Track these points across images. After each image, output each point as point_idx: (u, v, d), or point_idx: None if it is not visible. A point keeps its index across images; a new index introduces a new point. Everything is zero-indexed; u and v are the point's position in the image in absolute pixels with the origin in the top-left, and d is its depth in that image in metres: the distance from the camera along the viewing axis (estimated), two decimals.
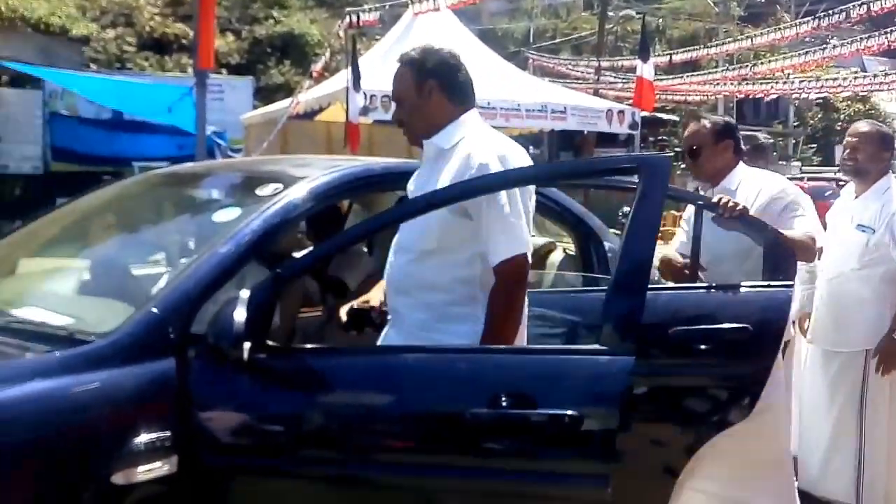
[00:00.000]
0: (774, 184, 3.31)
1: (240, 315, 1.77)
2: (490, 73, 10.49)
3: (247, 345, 1.80)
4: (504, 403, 1.82)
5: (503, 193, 2.15)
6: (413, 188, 2.36)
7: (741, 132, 3.47)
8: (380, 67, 9.99)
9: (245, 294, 1.83)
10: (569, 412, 1.79)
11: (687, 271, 3.00)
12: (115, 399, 1.81)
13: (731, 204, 2.69)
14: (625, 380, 1.82)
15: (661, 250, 3.59)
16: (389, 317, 2.29)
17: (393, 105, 2.42)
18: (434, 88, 2.29)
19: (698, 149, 3.32)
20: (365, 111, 9.80)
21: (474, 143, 2.23)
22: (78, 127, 18.66)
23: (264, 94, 19.19)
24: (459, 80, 2.33)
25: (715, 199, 2.71)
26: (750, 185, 3.24)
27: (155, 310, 1.95)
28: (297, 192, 2.30)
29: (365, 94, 9.59)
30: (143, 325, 1.92)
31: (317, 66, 11.53)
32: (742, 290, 2.16)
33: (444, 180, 2.18)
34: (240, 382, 1.90)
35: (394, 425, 1.90)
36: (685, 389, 2.01)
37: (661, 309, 2.00)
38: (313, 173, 2.42)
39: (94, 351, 1.86)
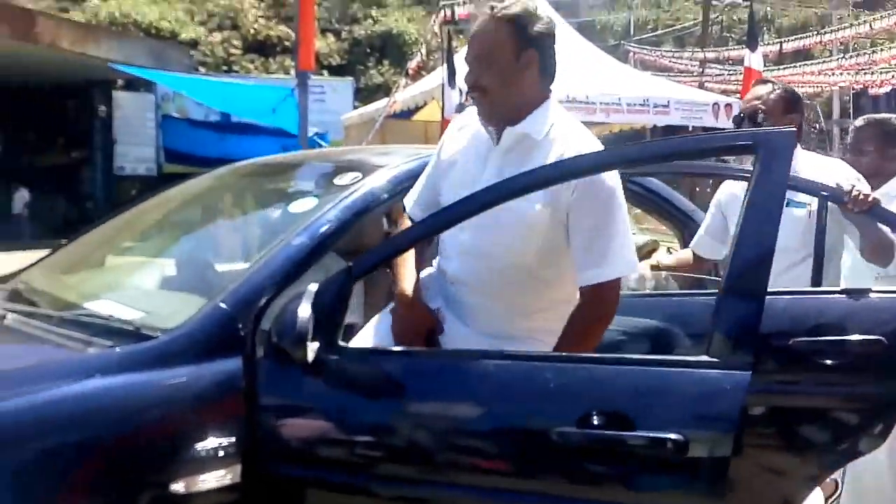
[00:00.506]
0: (843, 172, 2.74)
1: (304, 311, 1.63)
2: (589, 67, 10.20)
3: (313, 345, 1.65)
4: (596, 422, 1.59)
5: (609, 196, 1.88)
6: (461, 184, 1.93)
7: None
8: None
9: (313, 289, 1.69)
10: (672, 436, 1.54)
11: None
12: (175, 400, 1.71)
13: (861, 196, 2.38)
14: (739, 398, 1.54)
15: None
16: (446, 313, 1.99)
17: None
18: (533, 61, 1.92)
19: (764, 115, 2.85)
20: (461, 108, 9.65)
21: (575, 136, 1.93)
22: (188, 129, 19.38)
23: (364, 95, 19.42)
24: (553, 58, 1.96)
25: (846, 188, 2.40)
26: (817, 173, 2.67)
27: (223, 305, 1.84)
28: (376, 181, 2.17)
29: (460, 90, 9.46)
30: (209, 321, 1.81)
31: (412, 64, 11.49)
32: (873, 296, 1.83)
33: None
34: (309, 385, 1.75)
35: (473, 441, 1.71)
36: (808, 411, 1.70)
37: (779, 316, 1.70)
38: (393, 161, 2.28)
39: (156, 347, 1.76)
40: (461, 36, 15.92)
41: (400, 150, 2.61)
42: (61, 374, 1.68)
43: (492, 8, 1.92)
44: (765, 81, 3.16)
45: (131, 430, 1.64)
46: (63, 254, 2.73)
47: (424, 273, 2.09)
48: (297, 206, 2.28)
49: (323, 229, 1.99)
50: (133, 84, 18.47)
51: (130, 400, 1.67)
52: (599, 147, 1.93)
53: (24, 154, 18.40)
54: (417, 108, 11.37)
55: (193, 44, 20.73)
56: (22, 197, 17.75)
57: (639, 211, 3.28)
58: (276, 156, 2.90)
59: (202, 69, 19.91)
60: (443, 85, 9.32)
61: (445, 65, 9.26)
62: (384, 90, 17.89)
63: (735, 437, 1.54)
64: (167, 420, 1.68)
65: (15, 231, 16.21)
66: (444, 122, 9.17)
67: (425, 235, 1.95)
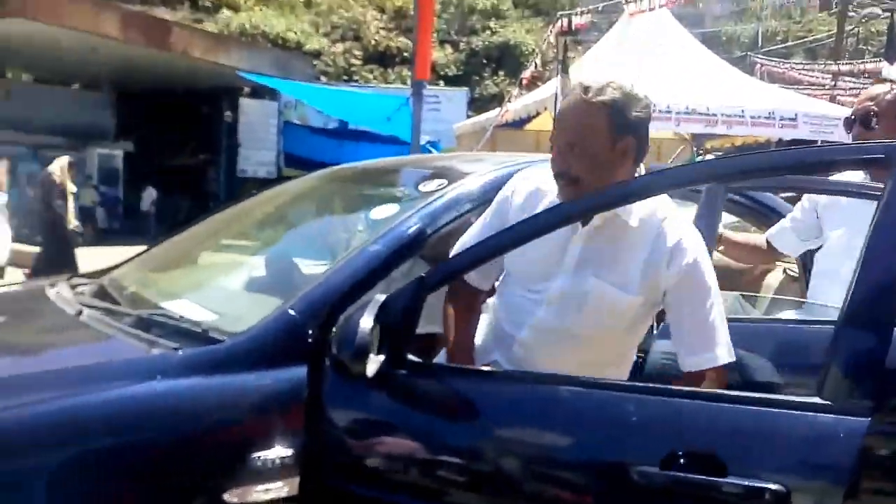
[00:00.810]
0: None
1: (366, 323, 1.53)
2: (711, 78, 9.80)
3: (377, 358, 1.54)
4: (683, 463, 1.40)
5: (712, 279, 1.79)
6: (536, 264, 1.82)
7: None
8: (591, 74, 9.64)
9: (379, 299, 1.58)
10: (772, 485, 1.33)
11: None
12: (235, 406, 1.64)
13: None
14: (855, 445, 1.32)
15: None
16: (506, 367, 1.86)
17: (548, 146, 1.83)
18: (630, 149, 1.76)
19: (877, 117, 2.56)
20: None
21: (675, 225, 1.80)
22: (308, 135, 20.00)
23: (479, 105, 19.45)
24: (647, 139, 1.81)
25: None
26: None
27: (291, 311, 1.77)
28: (461, 189, 2.07)
29: None
30: (276, 327, 1.74)
31: (526, 74, 11.34)
32: None
33: (634, 268, 1.78)
34: (373, 400, 1.65)
35: (546, 471, 1.55)
36: None
37: None
38: (482, 169, 2.17)
39: (220, 351, 1.70)
40: (578, 47, 15.70)
41: (493, 157, 2.49)
42: (121, 374, 1.65)
43: (585, 90, 1.76)
44: (884, 81, 2.84)
45: (187, 434, 1.59)
46: (159, 250, 2.75)
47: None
48: (379, 213, 2.21)
49: (399, 237, 1.91)
50: (258, 92, 19.22)
51: (188, 403, 1.62)
52: (699, 240, 1.82)
53: (155, 155, 19.43)
54: (530, 118, 11.21)
55: (317, 54, 21.36)
56: (150, 195, 18.75)
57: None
58: (371, 161, 2.85)
59: (324, 78, 20.48)
60: (556, 95, 9.14)
61: (560, 75, 9.07)
62: (499, 100, 17.83)
63: (846, 491, 1.32)
64: (224, 426, 1.62)
65: (142, 227, 17.14)
66: None
67: (504, 249, 1.79)
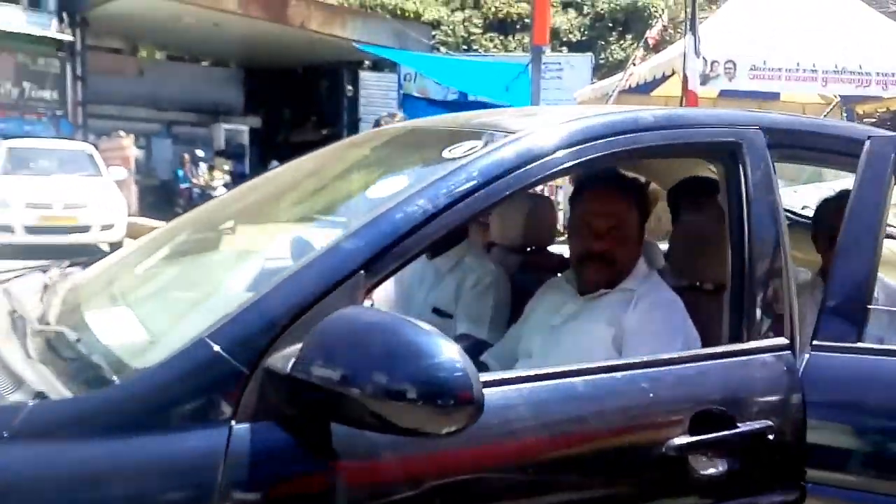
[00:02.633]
0: None
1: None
2: (865, 33, 8.72)
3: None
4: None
5: None
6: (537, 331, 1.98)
7: None
8: (724, 32, 8.79)
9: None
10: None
11: None
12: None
13: None
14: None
15: None
16: None
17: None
18: (643, 237, 2.04)
19: None
20: (705, 79, 8.64)
21: (656, 290, 1.95)
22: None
23: (604, 71, 18.58)
24: None
25: None
26: None
27: (211, 342, 1.24)
28: (491, 156, 1.53)
29: (705, 59, 8.44)
30: (181, 367, 1.24)
31: (651, 34, 10.54)
32: None
33: (633, 344, 1.83)
34: None
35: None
36: None
37: None
38: (531, 126, 1.65)
39: (81, 407, 1.21)
40: (713, 6, 14.55)
41: (553, 110, 1.96)
42: None
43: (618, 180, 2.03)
44: None
45: None
46: (180, 227, 2.26)
47: None
48: (379, 189, 1.65)
49: (387, 228, 1.38)
50: (379, 65, 19.08)
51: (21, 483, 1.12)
52: (677, 308, 1.89)
53: (280, 131, 19.69)
54: (656, 82, 10.40)
55: (436, 24, 20.98)
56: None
57: None
58: (425, 119, 2.31)
59: (443, 49, 20.12)
60: (684, 54, 8.34)
61: (689, 30, 8.27)
62: (625, 66, 16.94)
63: None
64: None
65: None
66: (689, 94, 8.21)
67: None
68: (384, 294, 2.81)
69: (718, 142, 1.77)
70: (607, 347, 1.84)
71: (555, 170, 1.57)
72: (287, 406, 1.23)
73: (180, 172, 15.60)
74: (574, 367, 1.46)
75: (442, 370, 1.12)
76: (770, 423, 1.52)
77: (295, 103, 19.73)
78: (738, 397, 1.54)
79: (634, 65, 10.70)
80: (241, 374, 1.23)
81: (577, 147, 1.58)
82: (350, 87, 19.71)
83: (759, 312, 1.63)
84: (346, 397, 1.16)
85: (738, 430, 1.50)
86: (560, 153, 1.56)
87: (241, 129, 19.39)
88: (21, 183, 10.58)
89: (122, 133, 14.88)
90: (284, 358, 1.23)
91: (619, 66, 18.46)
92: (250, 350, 1.24)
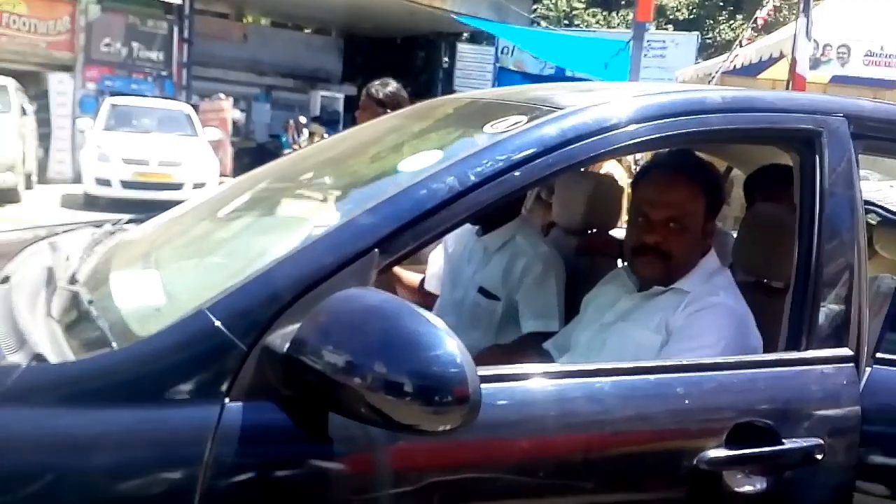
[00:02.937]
0: None
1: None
2: None
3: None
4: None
5: None
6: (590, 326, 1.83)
7: None
8: (839, 14, 8.26)
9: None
10: None
11: None
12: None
13: None
14: None
15: None
16: None
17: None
18: (714, 232, 1.83)
19: None
20: (815, 63, 8.15)
21: (713, 294, 1.72)
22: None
23: (711, 52, 17.89)
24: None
25: None
26: None
27: (211, 314, 1.18)
28: (533, 134, 1.40)
29: (816, 42, 7.95)
30: (178, 340, 1.18)
31: (761, 13, 10.01)
32: None
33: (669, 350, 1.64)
34: None
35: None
36: None
37: None
38: (583, 101, 1.52)
39: (72, 372, 1.16)
40: None
41: (614, 87, 1.80)
42: None
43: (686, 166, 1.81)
44: None
45: None
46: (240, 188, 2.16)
47: None
48: (411, 163, 1.53)
49: (407, 205, 1.28)
50: (477, 37, 18.91)
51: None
52: (727, 312, 1.67)
53: None
54: (762, 65, 9.89)
55: None
56: None
57: None
58: (484, 91, 2.17)
59: (543, 23, 19.77)
60: (794, 35, 7.88)
61: (801, 13, 7.80)
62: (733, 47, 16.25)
63: None
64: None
65: None
66: (796, 78, 7.76)
67: None
68: (436, 268, 2.73)
69: (794, 128, 1.60)
70: (653, 357, 1.66)
71: (602, 150, 1.44)
72: (284, 387, 1.17)
73: (283, 137, 15.90)
74: (603, 365, 1.35)
75: (437, 364, 1.03)
76: (820, 441, 1.37)
77: (392, 73, 19.66)
78: (786, 410, 1.39)
79: (742, 45, 10.21)
80: (238, 350, 1.17)
81: (630, 127, 1.45)
82: (447, 59, 19.64)
83: (821, 318, 1.47)
84: (343, 385, 1.09)
85: (782, 447, 1.35)
86: (610, 133, 1.43)
87: (337, 96, 19.61)
88: (121, 139, 10.99)
89: (221, 96, 15.27)
90: (284, 337, 1.16)
91: (727, 46, 17.72)
92: (250, 325, 1.18)
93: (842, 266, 1.51)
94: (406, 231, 1.27)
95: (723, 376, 1.39)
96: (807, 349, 1.46)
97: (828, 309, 1.48)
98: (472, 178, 1.32)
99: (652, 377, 1.35)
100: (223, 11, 19.21)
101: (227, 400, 1.16)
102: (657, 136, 1.46)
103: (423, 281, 2.79)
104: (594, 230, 2.54)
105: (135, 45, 15.24)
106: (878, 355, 1.45)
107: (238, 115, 17.02)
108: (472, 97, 2.12)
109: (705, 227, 1.78)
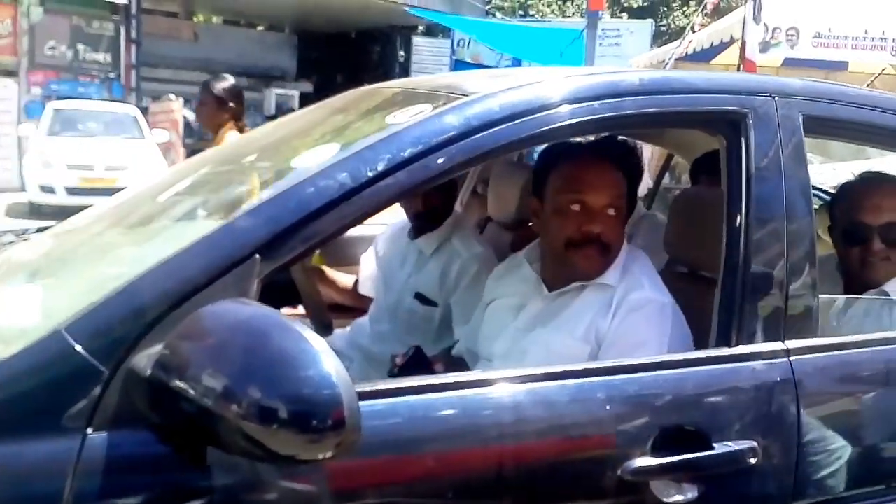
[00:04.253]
0: None
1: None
2: None
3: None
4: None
5: None
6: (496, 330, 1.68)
7: None
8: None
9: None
10: None
11: None
12: None
13: None
14: None
15: None
16: None
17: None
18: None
19: None
20: (765, 47, 8.17)
21: (643, 282, 1.62)
22: None
23: (666, 39, 17.98)
24: None
25: None
26: None
27: (70, 339, 1.04)
28: (432, 124, 1.28)
29: (766, 26, 7.97)
30: (29, 364, 1.05)
31: None
32: None
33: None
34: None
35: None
36: None
37: None
38: (494, 87, 1.39)
39: None
40: None
41: (526, 72, 1.68)
42: None
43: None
44: None
45: None
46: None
47: None
48: (305, 159, 1.40)
49: (295, 205, 1.15)
50: (432, 30, 18.75)
51: None
52: (658, 310, 1.56)
53: (331, 96, 19.55)
54: (715, 49, 9.91)
55: None
56: None
57: None
58: (391, 82, 2.03)
59: (498, 14, 19.70)
60: (744, 19, 7.88)
61: None
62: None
63: None
64: None
65: None
66: (746, 63, 7.76)
67: None
68: (369, 271, 2.62)
69: (718, 110, 1.51)
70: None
71: (510, 140, 1.33)
72: (153, 414, 1.04)
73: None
74: (515, 372, 1.24)
75: (308, 386, 0.91)
76: (754, 443, 1.28)
77: (347, 69, 19.56)
78: (715, 412, 1.30)
79: (694, 31, 10.21)
80: (99, 374, 1.04)
81: (540, 114, 1.34)
82: (402, 53, 19.47)
83: (751, 311, 1.38)
84: (211, 412, 0.96)
85: (712, 452, 1.26)
86: (516, 121, 1.32)
87: (292, 93, 19.33)
88: (64, 144, 10.67)
89: (171, 96, 14.93)
90: (150, 358, 1.03)
91: (682, 33, 17.78)
92: (112, 346, 1.05)
93: (773, 255, 1.42)
94: (292, 234, 1.15)
95: (647, 378, 1.29)
96: (737, 344, 1.37)
97: (758, 301, 1.39)
98: (367, 173, 1.21)
99: (569, 382, 1.24)
100: (172, 10, 18.82)
101: (89, 430, 1.03)
102: (568, 122, 1.35)
103: (356, 283, 2.67)
104: (530, 223, 2.44)
105: (80, 47, 14.86)
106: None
107: (191, 115, 16.69)
108: (393, 85, 1.99)
109: (629, 211, 1.70)
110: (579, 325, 1.56)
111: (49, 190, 10.29)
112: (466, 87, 1.46)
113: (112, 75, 15.07)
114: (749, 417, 1.31)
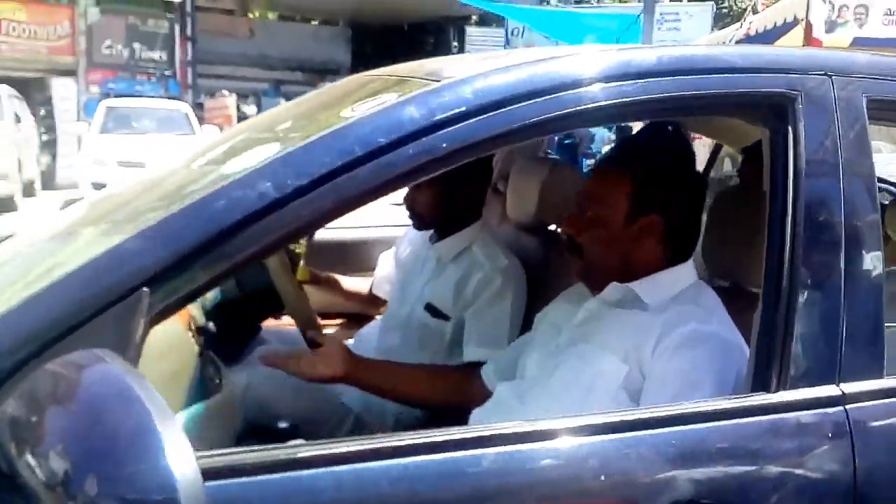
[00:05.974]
0: None
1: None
2: None
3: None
4: None
5: None
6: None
7: None
8: None
9: None
10: None
11: None
12: None
13: None
14: None
15: None
16: None
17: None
18: (654, 226, 1.40)
19: None
20: (831, 26, 7.67)
21: (694, 314, 1.32)
22: None
23: (728, 22, 17.28)
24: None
25: None
26: None
27: None
28: (383, 118, 1.04)
29: (832, 4, 7.48)
30: None
31: None
32: None
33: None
34: None
35: None
36: None
37: None
38: (464, 72, 1.13)
39: None
40: None
41: (513, 54, 1.40)
42: None
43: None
44: None
45: None
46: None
47: None
48: (235, 163, 1.15)
49: (200, 223, 0.93)
50: (486, 20, 18.46)
51: None
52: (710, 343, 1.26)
53: None
54: (778, 30, 9.41)
55: None
56: None
57: None
58: (381, 69, 1.75)
59: (552, 1, 19.31)
60: (808, 2, 7.41)
61: None
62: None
63: None
64: None
65: None
66: (813, 42, 7.28)
67: None
68: (385, 271, 2.39)
69: (760, 93, 1.21)
70: (614, 391, 1.28)
71: (484, 137, 1.06)
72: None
73: None
74: (466, 434, 0.98)
75: (136, 486, 0.67)
76: None
77: (400, 61, 19.38)
78: (744, 480, 1.01)
79: (756, 12, 9.74)
80: None
81: (521, 104, 1.07)
82: (456, 44, 19.25)
83: (796, 343, 1.09)
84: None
85: None
86: (493, 112, 1.06)
87: None
88: (116, 141, 10.73)
89: (225, 92, 15.02)
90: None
91: (744, 14, 17.11)
92: None
93: (827, 271, 1.13)
94: (192, 259, 0.91)
95: (656, 437, 1.01)
96: (778, 389, 1.08)
97: (806, 330, 1.10)
98: (295, 181, 0.96)
99: (549, 444, 0.97)
100: (227, 8, 18.97)
101: None
102: (556, 114, 1.07)
103: (371, 285, 2.45)
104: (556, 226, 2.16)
105: (136, 45, 15.05)
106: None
107: (252, 108, 16.79)
108: (383, 72, 1.74)
109: (635, 223, 1.40)
110: (621, 342, 1.32)
111: (101, 187, 10.38)
112: (443, 71, 1.20)
113: (168, 73, 15.21)
114: (791, 486, 1.02)
